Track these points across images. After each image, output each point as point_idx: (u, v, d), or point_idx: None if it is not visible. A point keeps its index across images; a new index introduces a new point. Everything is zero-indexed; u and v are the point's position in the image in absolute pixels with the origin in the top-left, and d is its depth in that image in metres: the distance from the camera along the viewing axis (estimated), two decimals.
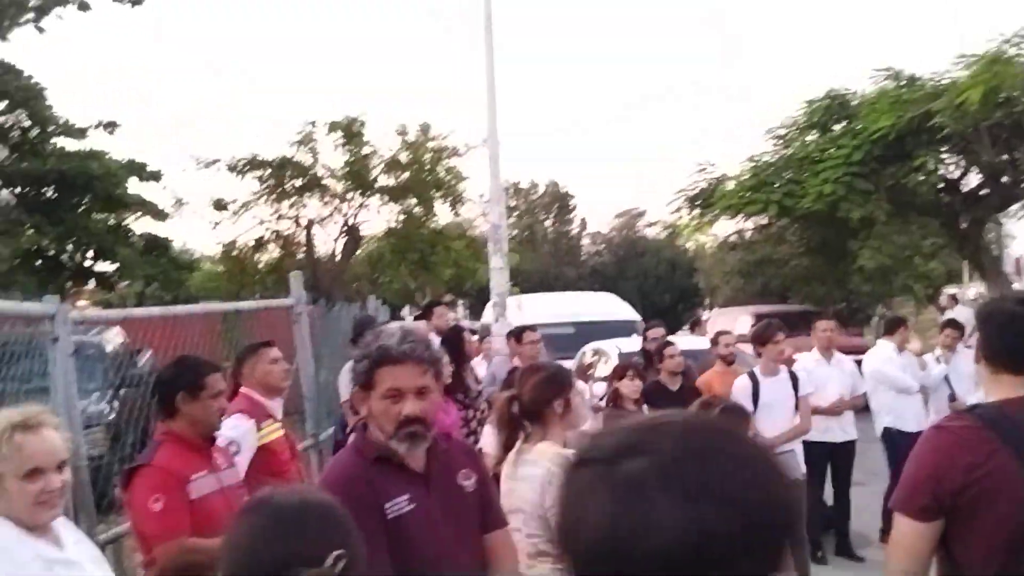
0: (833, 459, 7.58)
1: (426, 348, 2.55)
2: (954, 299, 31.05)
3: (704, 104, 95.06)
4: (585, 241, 54.44)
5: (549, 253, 49.05)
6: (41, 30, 15.26)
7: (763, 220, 20.07)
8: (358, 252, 22.80)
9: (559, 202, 52.95)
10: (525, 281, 38.83)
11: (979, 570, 2.38)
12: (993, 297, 2.80)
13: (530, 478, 3.30)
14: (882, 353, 8.02)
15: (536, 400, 3.45)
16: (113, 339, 10.35)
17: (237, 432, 4.24)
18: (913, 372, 7.90)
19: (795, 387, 6.66)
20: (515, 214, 50.01)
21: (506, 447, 3.49)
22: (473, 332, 10.36)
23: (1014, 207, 18.68)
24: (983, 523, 2.35)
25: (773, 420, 6.50)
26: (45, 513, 2.57)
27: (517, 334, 8.23)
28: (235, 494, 3.75)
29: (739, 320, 17.12)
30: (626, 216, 53.00)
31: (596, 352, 11.14)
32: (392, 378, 2.48)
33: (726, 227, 22.23)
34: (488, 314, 11.24)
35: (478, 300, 33.29)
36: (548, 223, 53.01)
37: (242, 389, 4.62)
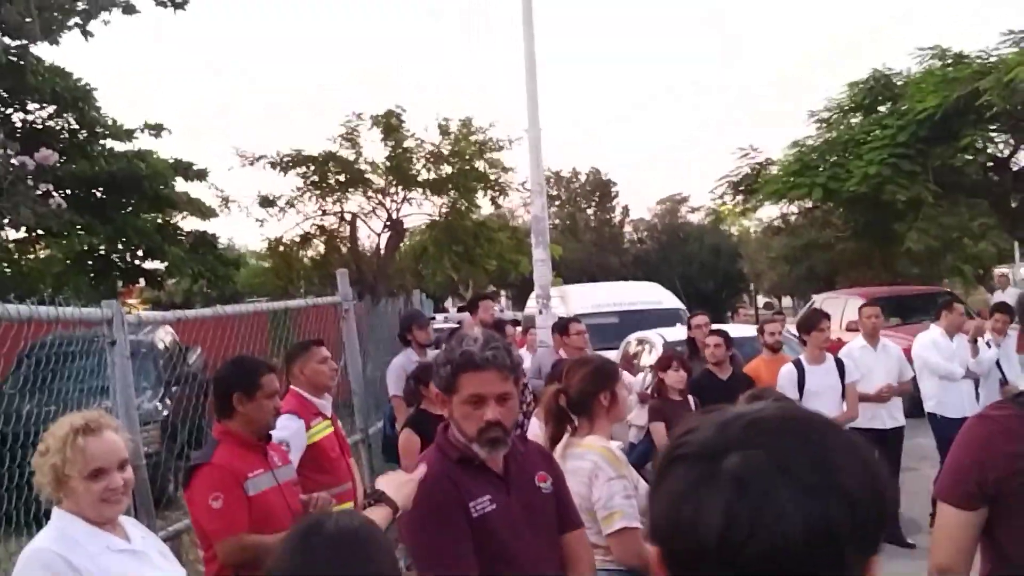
0: (881, 446, 7.50)
1: (508, 355, 2.57)
2: (1006, 279, 30.51)
3: (705, 103, 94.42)
4: (627, 228, 54.21)
5: (591, 241, 48.90)
6: (88, 34, 15.47)
7: (808, 204, 19.90)
8: (401, 246, 22.94)
9: (601, 190, 52.73)
10: (567, 270, 38.80)
11: (1021, 557, 2.39)
12: None
13: (578, 471, 3.34)
14: (927, 338, 7.92)
15: (583, 393, 3.48)
16: (164, 337, 10.54)
17: (287, 432, 4.32)
18: (962, 358, 7.77)
19: (841, 374, 6.62)
20: (556, 203, 49.94)
21: (553, 440, 3.52)
22: (517, 323, 10.42)
23: None
24: None
25: (819, 407, 6.40)
26: (110, 509, 2.70)
27: (563, 327, 8.27)
28: (291, 491, 3.84)
29: (848, 304, 14.72)
30: (668, 202, 52.70)
31: (640, 341, 11.12)
32: (474, 384, 2.52)
33: (770, 212, 22.09)
34: (532, 305, 11.27)
35: (521, 291, 33.35)
36: (590, 211, 52.84)
37: (292, 387, 4.71)
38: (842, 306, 14.50)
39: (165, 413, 8.91)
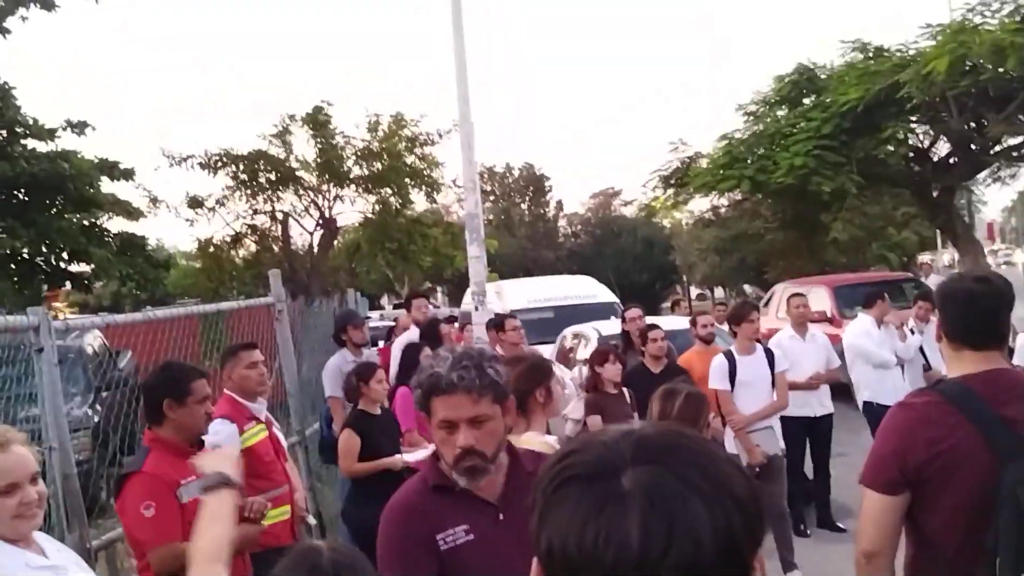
0: (811, 433, 7.70)
1: (480, 374, 2.38)
2: (930, 266, 31.40)
3: (693, 105, 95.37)
4: (562, 223, 54.49)
5: (526, 236, 49.06)
6: (5, 31, 15.06)
7: (737, 196, 20.21)
8: (335, 244, 22.77)
9: (534, 185, 52.92)
10: (503, 265, 38.86)
11: (944, 539, 2.49)
12: (951, 276, 2.87)
13: None
14: (860, 327, 8.12)
15: (518, 391, 3.49)
16: (93, 342, 10.32)
17: (220, 437, 4.27)
18: (892, 345, 7.99)
19: (771, 364, 6.75)
20: (491, 198, 49.97)
21: None
22: (454, 319, 10.43)
23: (983, 174, 18.92)
24: (947, 495, 2.45)
25: (751, 397, 6.61)
26: (25, 525, 2.63)
27: (498, 323, 8.32)
28: None
29: (812, 293, 13.34)
30: (601, 196, 53.10)
31: (576, 335, 11.21)
32: (444, 408, 2.38)
33: (701, 204, 22.39)
34: (468, 301, 11.29)
35: (457, 286, 33.35)
36: (524, 206, 53.00)
37: (225, 391, 4.66)
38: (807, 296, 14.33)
39: (96, 419, 8.73)
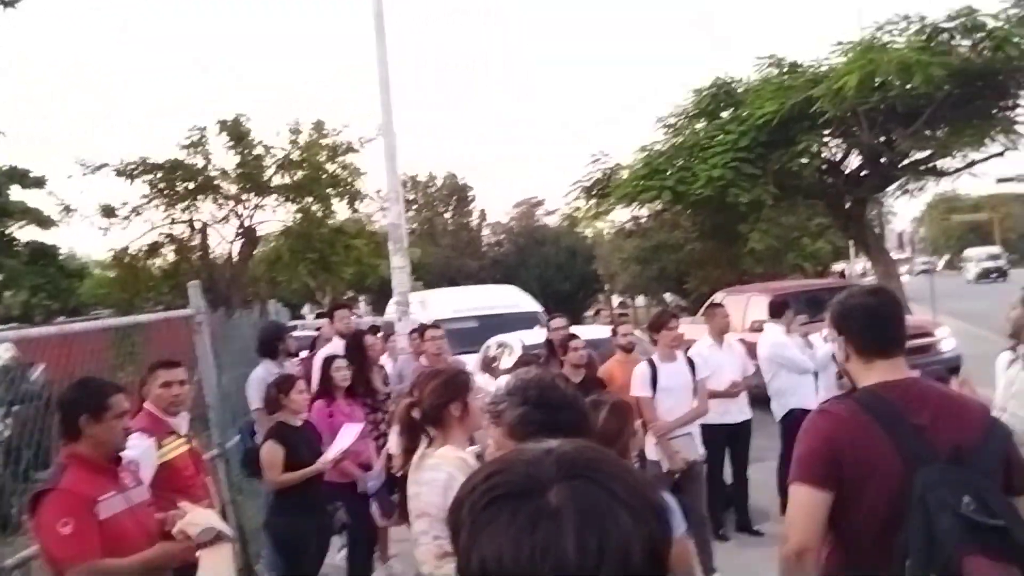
0: (731, 439, 7.86)
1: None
2: (842, 275, 32.22)
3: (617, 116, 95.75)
4: (485, 232, 54.58)
5: (449, 245, 49.01)
6: None
7: (657, 207, 20.49)
8: (255, 254, 22.45)
9: (457, 194, 52.94)
10: (427, 275, 38.76)
11: (859, 539, 2.57)
12: (841, 296, 3.00)
13: (433, 482, 3.38)
14: (774, 337, 8.28)
15: (435, 405, 3.51)
16: (3, 354, 10.01)
17: (136, 451, 4.20)
18: (804, 352, 8.14)
19: (692, 371, 6.88)
20: (414, 207, 49.83)
21: (408, 451, 3.56)
22: (377, 329, 10.39)
23: (892, 187, 19.54)
24: (863, 497, 2.53)
25: (672, 404, 6.72)
26: None
27: (420, 332, 8.32)
28: (145, 512, 3.75)
29: (751, 302, 14.11)
30: (525, 205, 53.36)
31: (500, 345, 11.26)
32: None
33: (623, 215, 22.64)
34: (391, 311, 11.26)
35: (380, 296, 33.12)
36: (447, 215, 52.97)
37: (145, 405, 4.59)
38: (744, 304, 14.31)
39: (7, 433, 8.46)
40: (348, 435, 6.03)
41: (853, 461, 2.53)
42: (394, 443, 4.37)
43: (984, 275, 52.87)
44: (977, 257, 57.50)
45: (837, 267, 38.08)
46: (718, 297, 15.53)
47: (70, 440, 3.67)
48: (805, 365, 7.93)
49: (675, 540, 2.88)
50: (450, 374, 3.77)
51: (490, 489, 1.01)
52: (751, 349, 8.42)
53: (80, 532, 3.40)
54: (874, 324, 2.72)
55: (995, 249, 59.53)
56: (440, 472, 3.40)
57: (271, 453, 5.62)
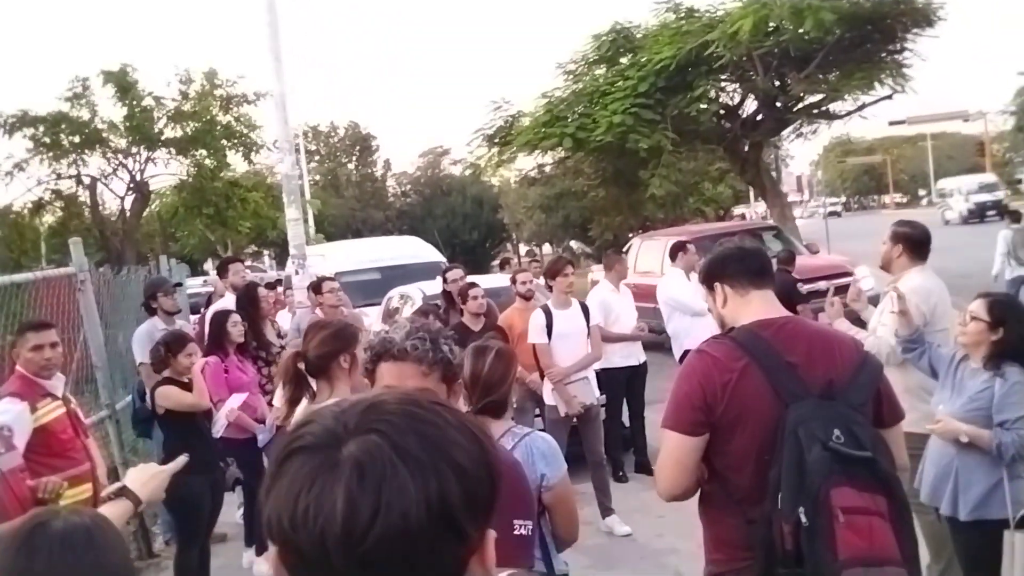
0: (629, 382, 7.97)
1: (433, 347, 2.38)
2: (743, 218, 32.91)
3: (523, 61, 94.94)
4: (391, 183, 53.98)
5: (354, 197, 48.33)
6: None
7: (559, 154, 20.55)
8: (149, 209, 21.77)
9: (360, 144, 52.14)
10: (331, 226, 38.24)
11: (735, 476, 2.63)
12: (712, 254, 3.09)
13: None
14: (672, 280, 8.43)
15: (321, 356, 3.45)
16: None
17: (7, 416, 4.05)
18: (703, 296, 8.27)
19: (587, 317, 6.93)
20: (316, 158, 48.93)
21: (291, 403, 3.49)
22: (278, 283, 10.20)
23: (787, 130, 19.96)
24: (738, 435, 2.59)
25: (567, 350, 6.76)
26: None
27: (315, 285, 8.18)
28: (16, 478, 3.62)
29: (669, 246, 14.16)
30: (430, 155, 52.83)
31: (402, 296, 11.16)
32: (390, 375, 2.37)
33: (528, 163, 22.64)
34: (290, 266, 11.05)
35: (284, 249, 32.55)
36: (351, 166, 52.16)
37: (16, 367, 4.40)
38: (663, 248, 14.47)
39: None
40: (234, 402, 5.97)
41: (727, 402, 2.58)
42: (279, 395, 4.28)
43: (978, 213, 38.44)
44: (966, 189, 41.97)
45: (738, 211, 38.91)
46: (635, 242, 15.67)
47: None
48: (698, 307, 8.07)
49: (559, 479, 2.89)
50: (338, 326, 3.71)
51: (293, 440, 0.96)
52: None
53: None
54: (744, 260, 2.85)
55: (989, 177, 44.33)
56: None
57: (168, 390, 5.47)
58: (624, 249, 16.56)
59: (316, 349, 3.48)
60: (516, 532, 2.39)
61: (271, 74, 9.86)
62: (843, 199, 78.80)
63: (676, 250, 8.54)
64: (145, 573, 6.71)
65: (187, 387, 5.60)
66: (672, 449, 2.68)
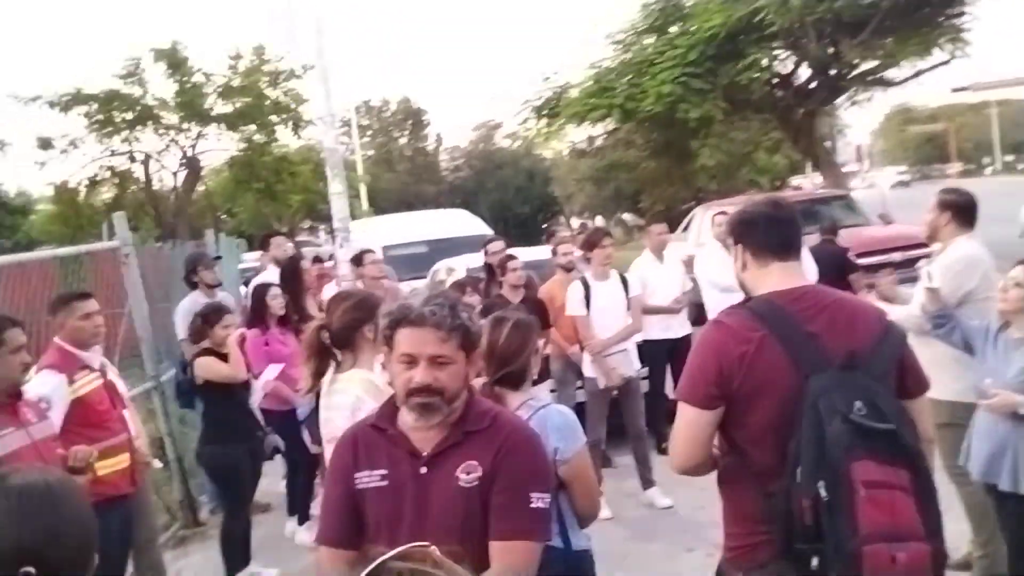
0: (672, 354, 7.89)
1: (452, 314, 2.33)
2: (799, 189, 32.32)
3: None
4: (443, 157, 53.98)
5: (406, 171, 48.46)
6: None
7: (610, 126, 20.36)
8: (200, 184, 22.06)
9: (412, 118, 52.18)
10: (384, 201, 38.41)
11: (754, 449, 2.57)
12: (739, 209, 2.99)
13: (341, 406, 3.34)
14: (707, 253, 8.36)
15: (345, 327, 3.46)
16: None
17: (46, 388, 4.13)
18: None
19: (626, 289, 6.86)
20: (368, 133, 49.11)
21: (316, 375, 3.51)
22: (330, 258, 10.24)
23: (841, 98, 19.52)
24: (757, 407, 2.52)
25: (606, 322, 6.71)
26: None
27: (357, 258, 8.22)
28: (47, 448, 3.68)
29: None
30: (483, 129, 52.69)
31: (448, 269, 11.18)
32: (408, 342, 2.33)
33: (580, 134, 22.49)
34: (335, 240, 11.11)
35: None
36: (403, 141, 52.26)
37: (55, 340, 4.47)
38: (723, 219, 14.18)
39: None
40: (270, 374, 6.02)
41: (745, 374, 2.51)
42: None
43: None
44: None
45: (794, 182, 38.25)
46: (698, 212, 15.39)
47: None
48: (726, 282, 7.98)
49: (575, 453, 2.85)
50: (361, 296, 3.71)
51: None
52: None
53: None
54: (771, 228, 2.71)
55: None
56: (348, 395, 3.36)
57: (206, 361, 5.56)
58: (686, 221, 16.35)
59: (340, 320, 3.48)
60: (533, 505, 2.33)
61: (313, 48, 9.87)
62: (903, 169, 77.15)
63: (714, 221, 8.48)
64: (191, 541, 6.84)
65: (225, 358, 5.67)
66: (686, 422, 2.62)
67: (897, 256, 9.57)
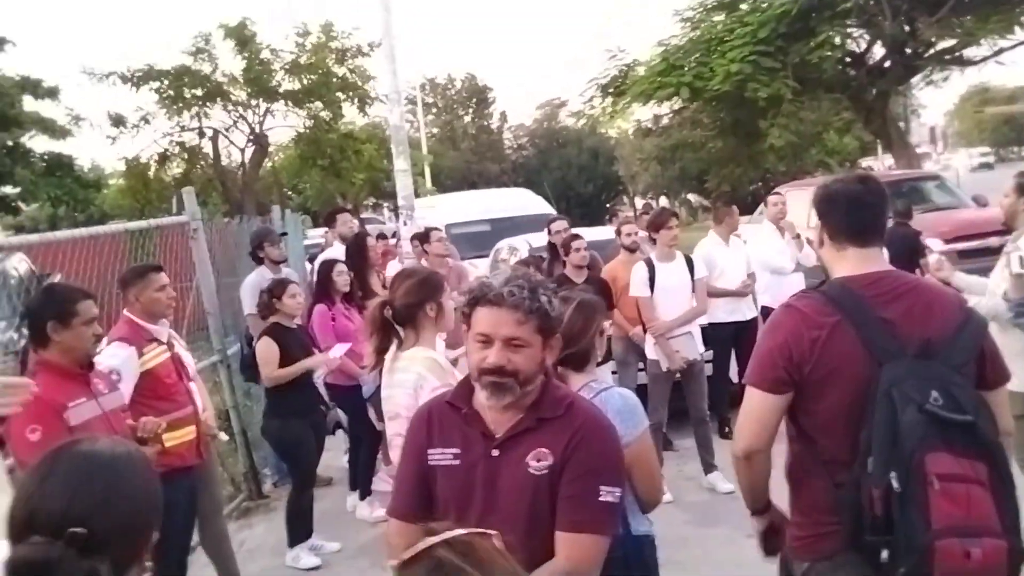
0: (737, 338, 7.78)
1: (531, 297, 2.29)
2: (871, 171, 31.49)
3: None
4: (507, 135, 53.96)
5: (470, 149, 48.55)
6: None
7: (677, 105, 20.09)
8: (267, 160, 22.33)
9: (477, 96, 52.20)
10: (447, 179, 38.57)
11: (824, 438, 2.51)
12: (829, 180, 2.88)
13: (404, 383, 3.35)
14: (761, 235, 8.22)
15: (408, 305, 3.46)
16: (18, 266, 10.05)
17: (117, 360, 4.20)
18: (791, 253, 8.04)
19: (691, 271, 6.77)
20: (433, 111, 49.25)
21: (378, 352, 3.52)
22: (394, 235, 10.31)
23: (916, 78, 18.99)
24: (828, 394, 2.46)
25: (670, 304, 6.62)
26: None
27: (422, 236, 8.24)
28: (118, 418, 3.75)
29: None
30: (547, 107, 52.53)
31: (510, 248, 11.17)
32: (484, 321, 2.31)
33: (646, 113, 22.23)
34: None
35: None
36: (467, 119, 52.32)
37: (124, 312, 4.55)
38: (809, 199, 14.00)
39: (23, 343, 8.54)
40: (337, 351, 6.06)
41: (816, 360, 2.45)
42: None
43: None
44: None
45: (865, 163, 37.39)
46: (783, 191, 15.05)
47: (39, 347, 3.66)
48: (780, 264, 7.89)
49: (636, 437, 2.81)
50: (424, 274, 3.71)
51: None
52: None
53: (48, 438, 3.37)
54: (852, 210, 2.62)
55: None
56: (410, 373, 3.36)
57: (266, 349, 5.64)
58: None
59: (402, 298, 3.48)
60: (602, 498, 2.28)
61: (381, 25, 9.90)
62: (986, 150, 74.80)
63: (768, 202, 8.39)
64: (255, 512, 6.96)
65: (294, 332, 5.74)
66: (753, 406, 2.56)
67: (994, 241, 9.27)
